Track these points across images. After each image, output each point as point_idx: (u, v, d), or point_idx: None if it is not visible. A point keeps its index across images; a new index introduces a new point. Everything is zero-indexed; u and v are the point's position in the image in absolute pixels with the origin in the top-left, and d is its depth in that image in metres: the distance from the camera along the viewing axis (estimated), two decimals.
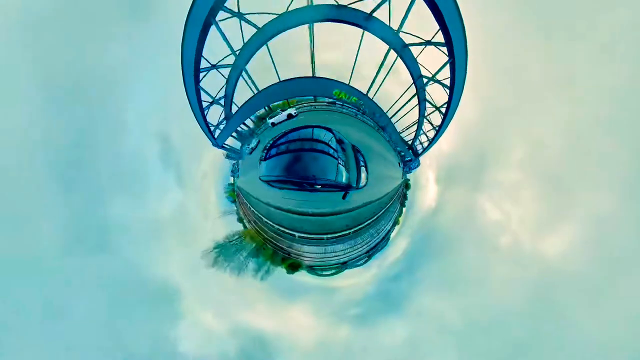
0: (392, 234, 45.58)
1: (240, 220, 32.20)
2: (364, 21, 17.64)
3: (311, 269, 37.90)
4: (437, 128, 23.14)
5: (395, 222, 45.16)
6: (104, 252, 36.19)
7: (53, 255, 32.75)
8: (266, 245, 27.34)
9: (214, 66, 20.30)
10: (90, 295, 35.60)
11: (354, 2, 16.79)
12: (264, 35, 18.69)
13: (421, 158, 32.75)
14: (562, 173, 41.87)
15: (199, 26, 16.95)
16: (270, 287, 47.64)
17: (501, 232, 51.25)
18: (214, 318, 48.19)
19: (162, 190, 41.63)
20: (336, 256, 33.82)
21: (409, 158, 35.31)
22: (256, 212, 25.53)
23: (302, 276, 41.37)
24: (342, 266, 37.52)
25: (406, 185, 49.50)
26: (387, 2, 16.65)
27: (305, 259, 33.93)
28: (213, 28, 17.65)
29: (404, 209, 48.24)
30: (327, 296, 53.28)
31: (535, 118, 40.49)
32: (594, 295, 40.81)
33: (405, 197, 49.40)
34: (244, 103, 20.99)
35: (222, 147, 24.98)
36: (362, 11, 17.46)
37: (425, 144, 29.45)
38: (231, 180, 31.79)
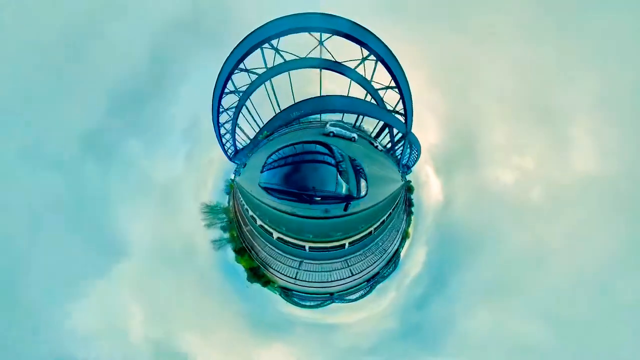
0: (402, 252, 36.95)
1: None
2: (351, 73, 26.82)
3: (285, 293, 29.18)
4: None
5: (404, 236, 36.40)
6: (91, 165, 34.83)
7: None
8: (233, 224, 28.81)
9: (225, 109, 29.04)
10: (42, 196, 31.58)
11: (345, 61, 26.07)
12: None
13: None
14: (544, 98, 40.64)
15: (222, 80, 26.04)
16: (245, 313, 38.77)
17: (526, 187, 42.82)
18: (142, 318, 36.96)
19: (170, 155, 40.30)
20: (318, 283, 25.89)
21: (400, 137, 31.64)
22: (240, 198, 26.73)
23: (287, 305, 33.31)
24: (329, 297, 28.86)
25: (408, 188, 42.03)
26: (363, 63, 25.88)
27: (274, 274, 26.58)
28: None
29: (412, 219, 39.94)
30: (324, 336, 41.62)
31: (492, 71, 41.09)
32: None
33: (410, 203, 41.67)
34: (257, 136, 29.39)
35: (235, 163, 31.95)
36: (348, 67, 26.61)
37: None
38: (232, 177, 34.13)
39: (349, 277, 26.54)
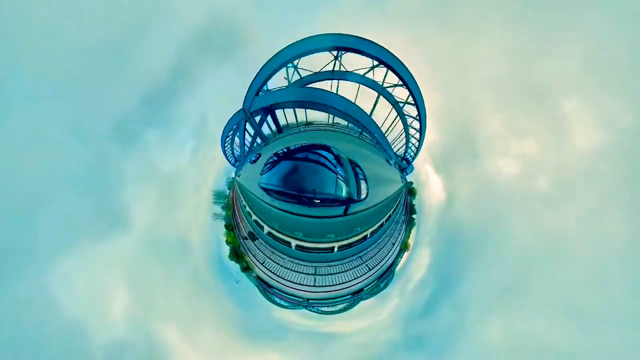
0: (399, 266, 33.86)
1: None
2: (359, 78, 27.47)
3: (260, 284, 28.67)
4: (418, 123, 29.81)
5: (403, 248, 34.05)
6: (116, 146, 39.09)
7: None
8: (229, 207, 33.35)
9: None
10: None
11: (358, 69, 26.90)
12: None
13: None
14: (532, 76, 39.27)
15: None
16: (235, 316, 38.54)
17: (532, 175, 40.10)
18: (126, 298, 37.70)
19: (178, 148, 42.70)
20: (291, 282, 25.00)
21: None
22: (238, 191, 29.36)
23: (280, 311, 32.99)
24: (302, 301, 27.37)
25: (410, 191, 38.67)
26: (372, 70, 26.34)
27: (251, 259, 26.99)
28: None
29: (413, 228, 37.31)
30: (319, 345, 39.46)
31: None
32: None
33: (411, 209, 38.05)
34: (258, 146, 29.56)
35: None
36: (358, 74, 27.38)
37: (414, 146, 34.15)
38: (233, 175, 37.16)
39: (326, 286, 24.91)
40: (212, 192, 37.32)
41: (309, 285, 24.92)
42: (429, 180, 42.75)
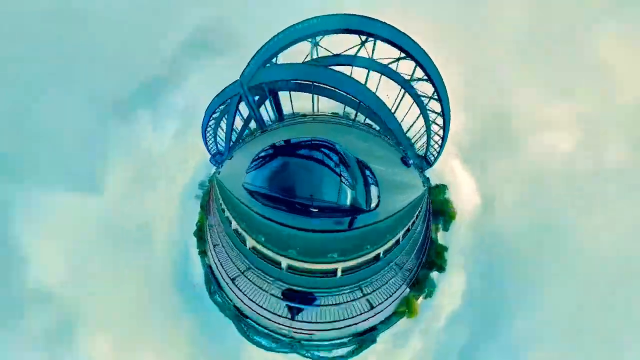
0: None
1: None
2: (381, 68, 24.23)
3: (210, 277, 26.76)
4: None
5: (401, 311, 24.31)
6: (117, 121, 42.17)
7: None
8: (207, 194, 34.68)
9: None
10: None
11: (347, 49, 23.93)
12: None
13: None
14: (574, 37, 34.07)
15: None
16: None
17: (592, 151, 31.92)
18: (74, 252, 36.60)
19: (163, 131, 43.93)
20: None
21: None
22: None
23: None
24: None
25: (440, 211, 30.14)
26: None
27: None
28: None
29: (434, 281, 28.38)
30: None
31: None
32: None
33: (438, 252, 28.58)
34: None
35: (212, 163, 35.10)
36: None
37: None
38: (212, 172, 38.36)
39: (266, 309, 20.46)
40: (197, 183, 39.39)
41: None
42: (456, 180, 33.11)
